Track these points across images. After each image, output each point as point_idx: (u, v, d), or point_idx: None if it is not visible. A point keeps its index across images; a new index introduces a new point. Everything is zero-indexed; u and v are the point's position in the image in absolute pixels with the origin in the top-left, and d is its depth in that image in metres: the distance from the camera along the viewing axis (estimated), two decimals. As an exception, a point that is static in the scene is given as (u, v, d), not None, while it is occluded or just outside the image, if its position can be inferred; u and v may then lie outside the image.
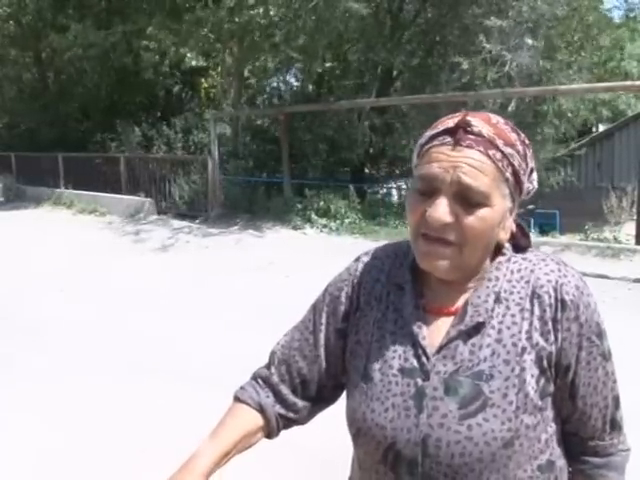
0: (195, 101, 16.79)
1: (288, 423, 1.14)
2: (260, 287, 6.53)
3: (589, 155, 18.38)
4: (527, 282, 0.99)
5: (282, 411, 1.12)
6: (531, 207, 9.88)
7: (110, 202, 12.17)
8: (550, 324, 0.96)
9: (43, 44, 15.64)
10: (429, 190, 0.94)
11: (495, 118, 0.97)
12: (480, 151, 0.93)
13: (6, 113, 18.48)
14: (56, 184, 14.02)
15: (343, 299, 1.11)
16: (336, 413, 1.21)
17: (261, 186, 11.23)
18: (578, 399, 0.99)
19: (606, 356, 1.00)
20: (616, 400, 1.03)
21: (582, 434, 1.02)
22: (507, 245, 1.02)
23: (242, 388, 1.15)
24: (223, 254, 8.39)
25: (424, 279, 1.03)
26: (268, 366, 1.15)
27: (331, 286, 1.15)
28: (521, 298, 0.98)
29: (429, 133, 0.98)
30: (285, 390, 1.12)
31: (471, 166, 0.92)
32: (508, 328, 0.97)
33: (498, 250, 1.01)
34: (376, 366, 1.02)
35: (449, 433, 0.94)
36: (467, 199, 0.92)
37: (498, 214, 0.95)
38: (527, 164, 0.98)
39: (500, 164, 0.93)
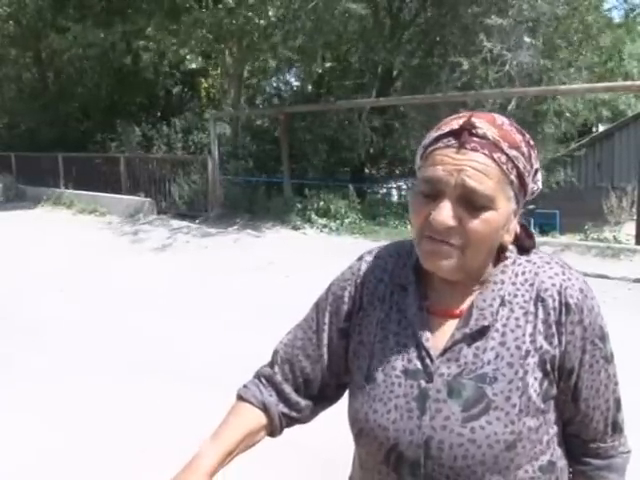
0: (195, 101, 16.81)
1: (291, 422, 1.14)
2: (260, 287, 6.53)
3: (589, 155, 18.38)
4: (531, 285, 0.99)
5: (285, 410, 1.12)
6: (531, 207, 9.87)
7: (110, 202, 12.17)
8: (554, 327, 0.96)
9: (43, 44, 15.64)
10: (433, 193, 0.94)
11: (500, 119, 0.97)
12: (485, 154, 0.92)
13: (6, 113, 18.50)
14: (56, 184, 14.02)
15: (346, 299, 1.10)
16: (337, 412, 1.21)
17: (261, 186, 11.23)
18: (581, 402, 1.00)
19: (608, 359, 1.01)
20: (618, 402, 1.04)
21: (584, 436, 1.03)
22: (511, 247, 1.02)
23: (245, 387, 1.14)
24: (223, 254, 8.39)
25: (427, 280, 1.03)
26: (271, 365, 1.15)
27: (334, 285, 1.14)
28: (525, 301, 0.98)
29: (433, 135, 0.97)
30: (288, 389, 1.12)
31: (476, 169, 0.91)
32: (512, 331, 0.97)
33: (502, 251, 1.01)
34: (379, 367, 1.02)
35: (452, 435, 0.94)
36: (471, 202, 0.92)
37: (502, 217, 0.94)
38: (532, 165, 0.98)
39: (505, 167, 0.93)
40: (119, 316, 5.55)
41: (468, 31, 10.01)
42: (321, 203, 9.96)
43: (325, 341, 1.11)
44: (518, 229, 1.00)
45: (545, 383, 0.96)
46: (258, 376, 1.16)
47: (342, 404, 1.16)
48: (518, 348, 0.96)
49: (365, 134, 11.70)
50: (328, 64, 13.22)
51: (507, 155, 0.93)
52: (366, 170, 14.34)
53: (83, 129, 15.74)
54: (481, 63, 9.32)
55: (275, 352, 1.16)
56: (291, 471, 2.95)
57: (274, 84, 16.80)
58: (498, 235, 0.96)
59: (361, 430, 1.02)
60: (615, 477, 1.04)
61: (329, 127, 12.64)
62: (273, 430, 1.12)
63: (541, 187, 1.02)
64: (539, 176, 1.02)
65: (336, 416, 1.29)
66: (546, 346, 0.96)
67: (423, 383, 0.97)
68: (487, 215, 0.92)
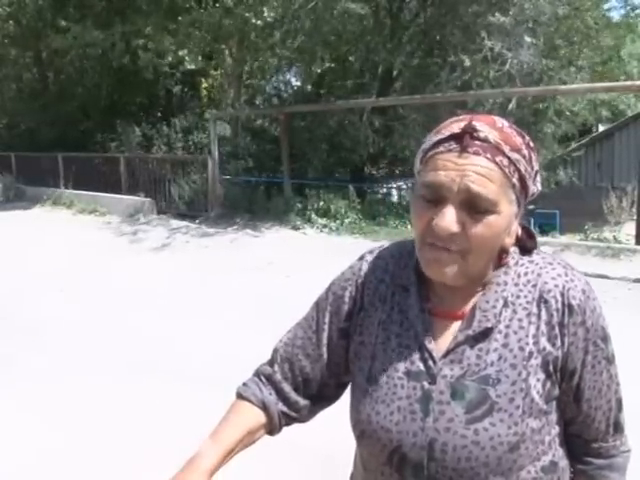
0: (195, 101, 16.78)
1: (290, 421, 1.14)
2: (259, 287, 6.53)
3: (589, 155, 18.40)
4: (534, 286, 0.99)
5: (284, 409, 1.12)
6: (531, 207, 9.88)
7: (110, 202, 12.17)
8: (557, 329, 0.96)
9: (43, 44, 15.63)
10: (435, 198, 0.93)
11: (500, 121, 0.96)
12: (487, 158, 0.91)
13: (6, 113, 18.48)
14: (56, 184, 14.01)
15: (347, 299, 1.10)
16: (337, 411, 1.21)
17: (261, 186, 11.23)
18: (583, 402, 1.00)
19: (610, 359, 1.01)
20: (619, 403, 1.04)
21: (586, 436, 1.03)
22: (514, 249, 1.02)
23: (245, 385, 1.15)
24: (223, 254, 8.39)
25: (429, 281, 1.02)
26: (271, 363, 1.15)
27: (334, 285, 1.14)
28: (528, 302, 0.98)
29: (434, 138, 0.96)
30: (287, 388, 1.12)
31: (479, 174, 0.90)
32: (515, 333, 0.97)
33: (503, 253, 1.00)
34: (381, 368, 1.02)
35: (455, 437, 0.94)
36: (474, 207, 0.91)
37: (505, 220, 0.94)
38: (532, 167, 0.97)
39: (507, 170, 0.92)
40: (119, 316, 5.55)
41: (469, 30, 10.02)
42: (321, 203, 9.96)
43: (325, 341, 1.11)
44: (519, 231, 1.00)
45: (548, 384, 0.96)
46: (258, 374, 1.16)
47: (342, 403, 1.16)
48: (521, 349, 0.96)
49: (367, 135, 11.71)
50: (327, 64, 13.22)
51: (509, 158, 0.92)
52: (366, 170, 14.35)
53: (83, 129, 15.71)
54: (482, 62, 9.33)
55: (275, 351, 1.16)
56: (291, 470, 2.95)
57: (274, 84, 16.81)
58: (500, 239, 0.95)
59: (363, 432, 1.02)
60: (616, 476, 1.05)
61: (329, 127, 12.65)
62: (272, 429, 1.12)
63: (540, 189, 1.02)
64: (539, 177, 1.01)
65: (336, 415, 1.29)
66: (549, 347, 0.96)
67: (426, 385, 0.97)
68: (490, 219, 0.92)
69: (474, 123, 0.93)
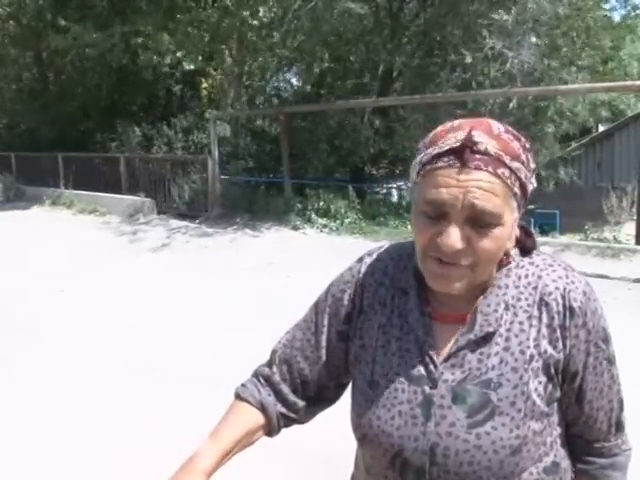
0: (195, 101, 16.78)
1: (289, 422, 1.14)
2: (259, 287, 6.52)
3: (589, 155, 18.41)
4: (535, 288, 0.98)
5: (283, 410, 1.12)
6: (531, 207, 9.88)
7: (110, 202, 12.17)
8: (558, 332, 0.96)
9: (43, 44, 15.62)
10: (438, 214, 0.91)
11: (496, 126, 0.93)
12: (489, 172, 0.89)
13: (6, 113, 18.48)
14: (56, 184, 14.01)
15: (346, 301, 1.10)
16: (337, 412, 1.21)
17: (261, 186, 11.24)
18: (585, 404, 1.00)
19: (611, 360, 1.01)
20: (621, 403, 1.05)
21: (588, 437, 1.03)
22: (514, 250, 1.01)
23: (243, 386, 1.14)
24: (223, 254, 8.39)
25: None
26: (269, 364, 1.15)
27: (333, 287, 1.13)
28: (529, 305, 0.98)
29: (431, 152, 0.92)
30: (286, 390, 1.12)
31: (482, 189, 0.88)
32: (516, 336, 0.96)
33: (504, 254, 0.99)
34: (382, 372, 1.02)
35: (457, 442, 0.94)
36: (479, 221, 0.90)
37: (508, 229, 0.93)
38: (530, 170, 0.96)
39: (509, 181, 0.91)
40: (119, 316, 5.55)
41: (469, 29, 10.01)
42: (321, 203, 9.95)
43: (324, 343, 1.11)
44: (518, 232, 1.00)
45: (549, 387, 0.96)
46: (256, 375, 1.15)
47: (341, 404, 1.16)
48: (522, 353, 0.95)
49: (367, 137, 11.71)
50: (327, 64, 13.21)
51: (510, 168, 0.91)
52: (366, 170, 14.35)
53: (83, 129, 15.71)
54: (482, 60, 9.32)
55: (273, 352, 1.16)
56: (291, 471, 2.95)
57: (274, 84, 16.81)
58: (505, 246, 0.95)
59: (365, 435, 1.02)
60: (619, 475, 1.05)
61: (329, 127, 12.64)
62: (271, 430, 1.12)
63: (536, 185, 1.00)
64: (533, 175, 1.00)
65: (336, 416, 1.29)
66: (550, 350, 0.96)
67: (427, 389, 0.97)
68: (495, 232, 0.91)
69: (473, 134, 0.90)
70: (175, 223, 10.72)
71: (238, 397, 1.12)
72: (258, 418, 1.09)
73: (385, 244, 1.16)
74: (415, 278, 1.03)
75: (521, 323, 0.97)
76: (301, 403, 1.13)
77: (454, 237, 0.89)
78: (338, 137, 12.62)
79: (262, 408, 1.10)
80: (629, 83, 10.59)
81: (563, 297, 0.97)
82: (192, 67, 12.92)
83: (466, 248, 0.90)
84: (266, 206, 10.45)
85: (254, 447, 1.12)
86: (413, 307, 1.02)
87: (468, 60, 9.06)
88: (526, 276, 1.00)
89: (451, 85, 9.58)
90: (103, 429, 3.39)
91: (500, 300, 0.98)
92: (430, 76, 10.66)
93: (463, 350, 0.97)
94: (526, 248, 1.03)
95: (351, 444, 1.11)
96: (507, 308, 0.98)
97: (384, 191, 14.29)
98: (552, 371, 0.96)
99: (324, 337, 1.11)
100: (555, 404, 0.98)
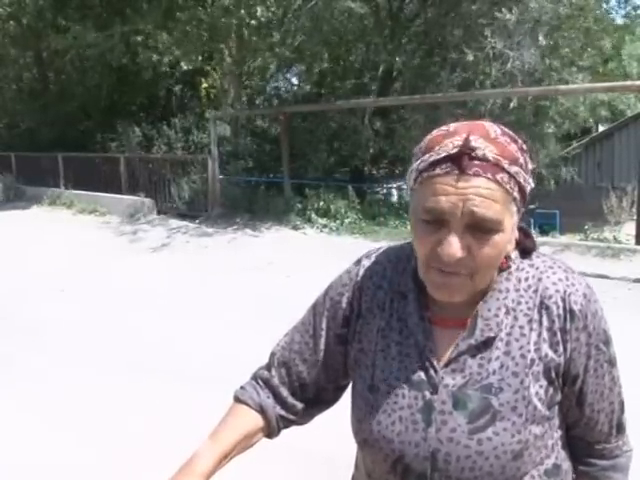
0: (195, 101, 16.78)
1: (288, 424, 1.14)
2: (260, 287, 6.52)
3: (589, 155, 18.41)
4: (535, 291, 0.98)
5: (282, 412, 1.12)
6: (531, 207, 9.88)
7: (110, 202, 12.17)
8: (559, 335, 0.95)
9: (43, 44, 15.62)
10: (437, 222, 0.90)
11: (493, 129, 0.91)
12: (488, 178, 0.87)
13: (6, 113, 18.47)
14: (56, 184, 14.01)
15: (344, 304, 1.09)
16: (337, 413, 1.21)
17: (261, 186, 11.23)
18: (586, 406, 1.00)
19: (612, 362, 1.01)
20: (622, 404, 1.04)
21: (589, 438, 1.03)
22: (515, 253, 1.00)
23: (242, 388, 1.14)
24: (223, 254, 8.39)
25: None
26: (268, 367, 1.15)
27: (332, 289, 1.13)
28: (529, 309, 0.97)
29: (427, 159, 0.90)
30: (285, 392, 1.12)
31: (482, 196, 0.87)
32: (517, 340, 0.96)
33: (504, 257, 0.98)
34: (382, 377, 1.01)
35: (459, 448, 0.93)
36: (479, 228, 0.89)
37: (508, 234, 0.92)
38: (528, 172, 0.95)
39: (508, 186, 0.89)
40: (119, 316, 5.55)
41: (470, 29, 10.01)
42: (321, 203, 9.95)
43: (322, 346, 1.10)
44: (517, 234, 0.98)
45: (550, 390, 0.96)
46: (255, 378, 1.15)
47: (341, 404, 1.16)
48: (523, 357, 0.95)
49: (368, 138, 11.70)
50: (326, 64, 13.21)
51: (509, 173, 0.89)
52: (366, 170, 14.34)
53: (83, 129, 15.71)
54: (483, 59, 9.31)
55: (272, 354, 1.15)
56: (291, 472, 2.95)
57: (274, 84, 16.81)
58: (505, 251, 0.94)
59: (365, 440, 1.01)
60: (620, 476, 1.05)
61: (329, 127, 12.64)
62: (270, 432, 1.11)
63: (533, 185, 0.98)
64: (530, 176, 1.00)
65: (336, 417, 1.29)
66: (551, 354, 0.95)
67: (428, 394, 0.96)
68: (495, 238, 0.89)
69: (470, 139, 0.88)
70: (175, 223, 10.72)
71: (237, 400, 1.12)
72: (257, 420, 1.09)
73: (383, 246, 1.15)
74: (414, 281, 1.02)
75: (521, 327, 0.96)
76: (300, 405, 1.12)
77: (455, 246, 0.88)
78: (338, 138, 12.62)
79: (261, 410, 1.10)
80: (629, 83, 10.59)
81: (563, 300, 0.96)
82: (190, 67, 12.92)
83: (466, 256, 0.89)
84: (266, 206, 10.45)
85: (253, 449, 1.12)
86: (412, 311, 1.01)
87: (469, 59, 9.04)
88: (526, 279, 0.99)
89: (451, 85, 9.57)
90: (103, 429, 3.39)
91: (501, 304, 0.97)
92: (430, 76, 10.66)
93: (464, 355, 0.96)
94: (526, 249, 1.02)
95: (351, 445, 1.11)
96: (507, 312, 0.97)
97: (384, 191, 14.27)
98: (553, 375, 0.95)
99: (322, 340, 1.10)
100: (556, 407, 0.98)
